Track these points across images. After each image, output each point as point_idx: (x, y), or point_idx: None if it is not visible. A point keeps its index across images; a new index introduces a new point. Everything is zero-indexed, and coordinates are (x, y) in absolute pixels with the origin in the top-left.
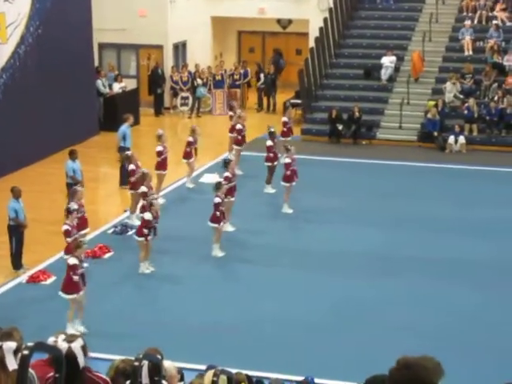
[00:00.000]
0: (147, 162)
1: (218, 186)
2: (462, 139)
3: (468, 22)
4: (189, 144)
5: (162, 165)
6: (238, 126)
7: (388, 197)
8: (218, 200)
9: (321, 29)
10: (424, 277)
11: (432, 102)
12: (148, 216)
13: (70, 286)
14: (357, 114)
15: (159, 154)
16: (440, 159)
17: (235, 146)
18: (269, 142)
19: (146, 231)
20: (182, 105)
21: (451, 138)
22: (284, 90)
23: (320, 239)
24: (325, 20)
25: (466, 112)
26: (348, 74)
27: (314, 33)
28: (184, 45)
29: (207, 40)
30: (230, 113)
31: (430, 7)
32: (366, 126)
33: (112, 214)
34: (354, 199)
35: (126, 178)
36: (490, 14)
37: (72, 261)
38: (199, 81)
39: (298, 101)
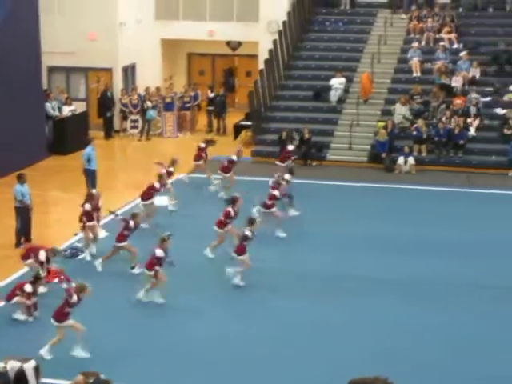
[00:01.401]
0: (99, 184)
1: (252, 221)
2: (411, 160)
3: (416, 44)
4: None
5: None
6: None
7: (338, 217)
8: (248, 233)
9: (270, 51)
10: (375, 296)
11: (381, 123)
12: (159, 253)
13: (60, 314)
14: (307, 135)
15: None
16: (390, 180)
17: (222, 173)
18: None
19: (157, 268)
20: (131, 128)
21: (401, 159)
22: (234, 112)
23: (270, 260)
24: (274, 42)
25: (414, 133)
26: (298, 95)
27: (263, 55)
28: (133, 67)
29: (157, 62)
30: (202, 145)
31: (379, 29)
32: (316, 147)
33: (62, 238)
34: (303, 220)
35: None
36: (437, 35)
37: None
38: (149, 103)
39: (248, 123)
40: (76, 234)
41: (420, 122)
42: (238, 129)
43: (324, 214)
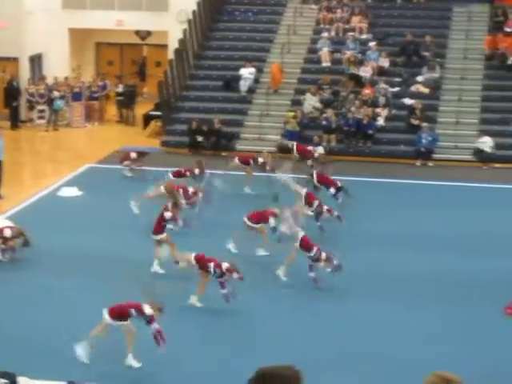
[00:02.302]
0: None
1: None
2: (320, 149)
3: (325, 34)
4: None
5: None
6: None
7: (247, 207)
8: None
9: (180, 40)
10: (277, 289)
11: (291, 113)
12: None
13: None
14: (217, 125)
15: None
16: (299, 170)
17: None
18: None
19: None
20: (38, 118)
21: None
22: (144, 102)
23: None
24: (184, 31)
25: (324, 123)
26: (208, 85)
27: (173, 44)
28: (40, 57)
29: (64, 52)
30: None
31: (288, 19)
32: (226, 137)
33: None
34: (213, 210)
35: None
36: (347, 26)
37: None
38: (56, 93)
39: (158, 113)
40: None
41: (329, 112)
42: (147, 119)
43: (232, 203)
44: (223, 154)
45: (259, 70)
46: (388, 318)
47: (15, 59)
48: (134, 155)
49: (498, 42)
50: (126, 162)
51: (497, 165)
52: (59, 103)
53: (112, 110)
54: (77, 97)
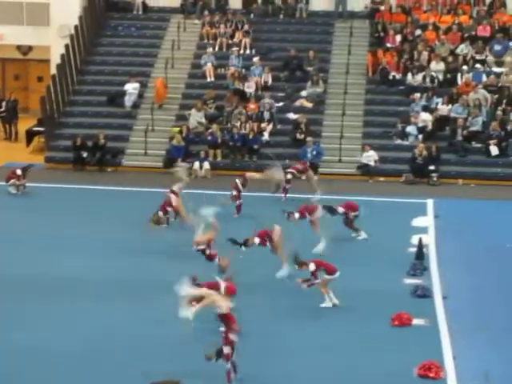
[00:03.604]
0: None
1: None
2: (206, 165)
3: (210, 50)
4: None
5: None
6: None
7: (133, 223)
8: None
9: (62, 55)
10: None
11: (176, 129)
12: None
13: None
14: (102, 140)
15: None
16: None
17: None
18: None
19: None
20: None
21: (196, 164)
22: (28, 117)
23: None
24: (66, 47)
25: (209, 138)
26: (91, 100)
27: (55, 59)
28: None
29: None
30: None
31: (172, 34)
32: (111, 152)
33: None
34: (91, 226)
35: None
36: (230, 41)
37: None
38: None
39: (41, 128)
40: None
41: (215, 127)
42: (30, 135)
43: (117, 219)
44: (108, 169)
45: (143, 85)
46: None
47: None
48: (19, 172)
49: (379, 57)
50: (12, 181)
51: (381, 178)
52: None
53: None
54: None
